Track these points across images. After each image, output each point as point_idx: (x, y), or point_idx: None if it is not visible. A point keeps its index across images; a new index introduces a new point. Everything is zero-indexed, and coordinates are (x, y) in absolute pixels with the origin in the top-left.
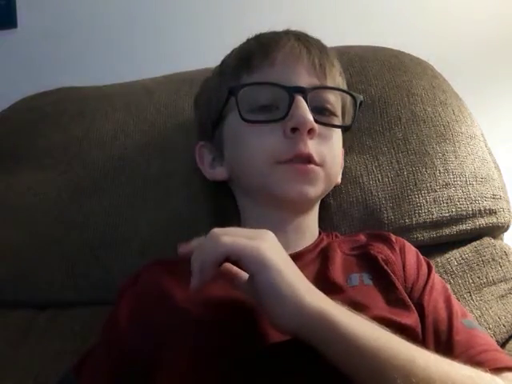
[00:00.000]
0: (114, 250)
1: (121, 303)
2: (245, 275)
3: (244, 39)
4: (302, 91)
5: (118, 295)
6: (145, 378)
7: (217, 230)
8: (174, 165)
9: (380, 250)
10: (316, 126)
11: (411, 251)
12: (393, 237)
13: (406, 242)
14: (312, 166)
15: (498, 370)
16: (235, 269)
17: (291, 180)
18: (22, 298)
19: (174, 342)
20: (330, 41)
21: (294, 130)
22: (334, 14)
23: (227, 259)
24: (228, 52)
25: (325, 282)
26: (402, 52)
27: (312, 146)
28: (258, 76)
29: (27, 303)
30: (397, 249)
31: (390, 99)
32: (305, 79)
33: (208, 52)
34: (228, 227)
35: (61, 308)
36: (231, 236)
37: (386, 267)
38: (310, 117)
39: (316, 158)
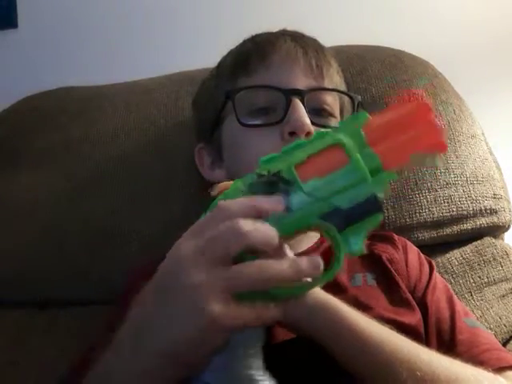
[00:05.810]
0: (113, 249)
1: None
2: None
3: (244, 38)
4: (299, 93)
5: (126, 290)
6: None
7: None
8: (175, 164)
9: (384, 249)
10: (313, 129)
11: (413, 250)
12: (395, 236)
13: (407, 241)
14: None
15: (500, 369)
16: None
17: None
18: (22, 297)
19: None
20: (331, 40)
21: (292, 133)
22: (334, 13)
23: None
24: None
25: (328, 282)
26: (403, 51)
27: None
28: (255, 79)
29: (27, 303)
30: (400, 248)
31: (391, 98)
32: (302, 81)
33: (208, 52)
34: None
35: (61, 308)
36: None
37: (390, 266)
38: (307, 120)
39: None
